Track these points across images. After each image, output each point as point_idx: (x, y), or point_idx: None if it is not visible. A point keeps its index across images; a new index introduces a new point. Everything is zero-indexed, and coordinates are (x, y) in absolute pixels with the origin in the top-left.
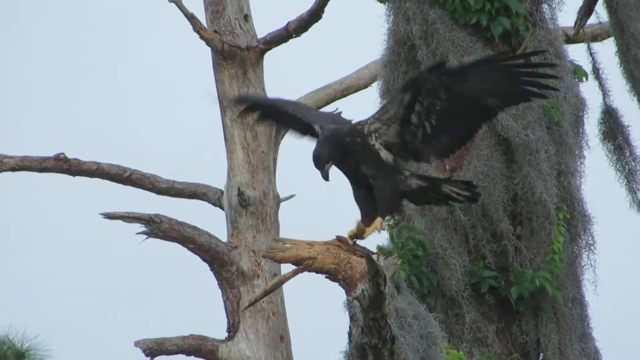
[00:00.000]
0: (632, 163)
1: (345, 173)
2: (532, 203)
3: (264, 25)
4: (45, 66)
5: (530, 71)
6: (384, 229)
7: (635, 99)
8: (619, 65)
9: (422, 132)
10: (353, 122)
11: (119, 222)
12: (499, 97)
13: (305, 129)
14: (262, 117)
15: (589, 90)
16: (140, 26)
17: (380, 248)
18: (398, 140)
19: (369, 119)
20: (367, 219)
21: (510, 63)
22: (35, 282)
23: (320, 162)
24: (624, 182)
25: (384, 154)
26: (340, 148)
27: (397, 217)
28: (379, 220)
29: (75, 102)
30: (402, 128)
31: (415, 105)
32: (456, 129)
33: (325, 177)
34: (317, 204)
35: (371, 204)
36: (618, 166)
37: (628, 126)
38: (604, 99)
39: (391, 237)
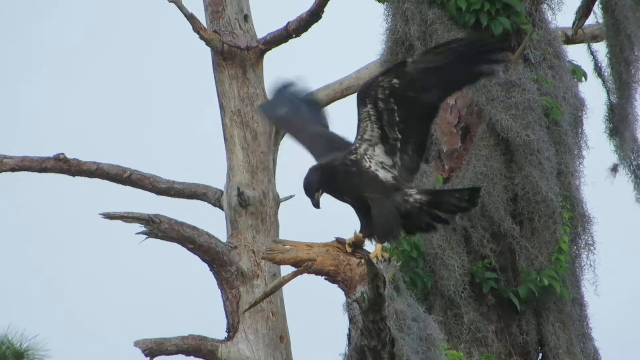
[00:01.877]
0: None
1: (341, 200)
2: (534, 203)
3: (263, 25)
4: (44, 66)
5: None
6: (384, 257)
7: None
8: (608, 67)
9: (399, 145)
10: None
11: (119, 222)
12: (445, 84)
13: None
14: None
15: (587, 90)
16: (139, 26)
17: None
18: (389, 159)
19: (355, 142)
20: (367, 230)
21: (465, 45)
22: (34, 281)
23: (310, 191)
24: (632, 178)
25: (382, 174)
26: (330, 177)
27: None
28: (379, 247)
29: (74, 102)
30: (385, 146)
31: (382, 118)
32: (414, 137)
33: (316, 205)
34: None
35: (370, 216)
36: (625, 162)
37: (634, 122)
38: (607, 96)
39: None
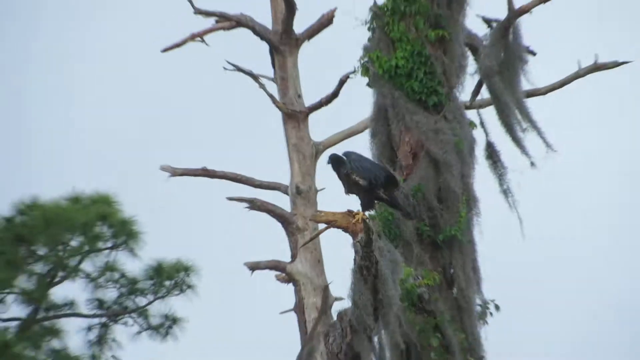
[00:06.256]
0: (503, 173)
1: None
2: (448, 192)
3: (309, 97)
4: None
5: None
6: (365, 217)
7: (509, 138)
8: (498, 119)
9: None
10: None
11: (236, 208)
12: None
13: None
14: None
15: (476, 133)
16: (234, 98)
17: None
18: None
19: (350, 169)
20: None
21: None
22: None
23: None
24: (499, 184)
25: (362, 182)
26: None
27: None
28: (361, 213)
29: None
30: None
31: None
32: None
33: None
34: (338, 191)
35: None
36: (496, 175)
37: (499, 152)
38: (486, 137)
39: (375, 211)
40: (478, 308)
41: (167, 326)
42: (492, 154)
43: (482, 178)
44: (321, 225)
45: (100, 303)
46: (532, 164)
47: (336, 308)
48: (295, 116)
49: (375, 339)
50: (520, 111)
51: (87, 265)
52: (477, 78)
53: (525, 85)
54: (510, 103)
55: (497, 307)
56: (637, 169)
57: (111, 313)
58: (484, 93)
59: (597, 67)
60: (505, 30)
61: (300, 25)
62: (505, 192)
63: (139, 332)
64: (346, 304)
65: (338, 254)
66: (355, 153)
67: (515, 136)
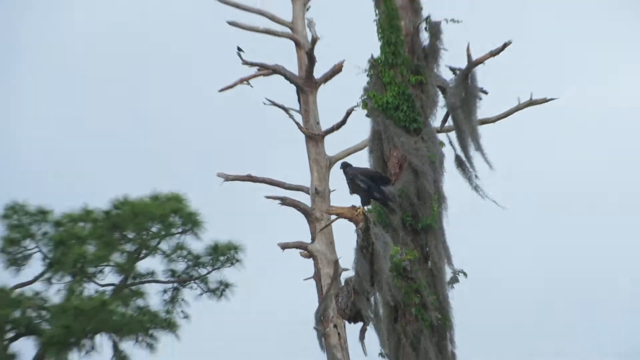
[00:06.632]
0: (471, 176)
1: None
2: (424, 192)
3: (324, 123)
4: None
5: (381, 200)
6: (364, 211)
7: (463, 156)
8: (457, 141)
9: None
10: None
11: (272, 205)
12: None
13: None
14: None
15: (445, 150)
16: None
17: (369, 209)
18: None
19: (355, 172)
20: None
21: (377, 197)
22: None
23: (368, 202)
24: (469, 184)
25: (362, 184)
26: (355, 185)
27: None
28: (362, 208)
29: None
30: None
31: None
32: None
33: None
34: (344, 193)
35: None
36: (465, 178)
37: (465, 161)
38: (455, 151)
39: (372, 206)
40: (449, 276)
41: (221, 290)
42: (460, 163)
43: (449, 182)
44: (333, 217)
45: (173, 273)
46: (476, 176)
47: (344, 276)
48: (314, 138)
49: (372, 298)
50: (473, 137)
51: (163, 245)
52: (445, 110)
53: (480, 115)
54: (466, 130)
55: (465, 275)
56: (566, 179)
57: (181, 280)
58: (450, 121)
59: (531, 102)
60: (465, 76)
61: (318, 72)
62: (476, 189)
63: (201, 294)
64: (351, 273)
65: (345, 237)
66: (360, 174)
67: (468, 155)
